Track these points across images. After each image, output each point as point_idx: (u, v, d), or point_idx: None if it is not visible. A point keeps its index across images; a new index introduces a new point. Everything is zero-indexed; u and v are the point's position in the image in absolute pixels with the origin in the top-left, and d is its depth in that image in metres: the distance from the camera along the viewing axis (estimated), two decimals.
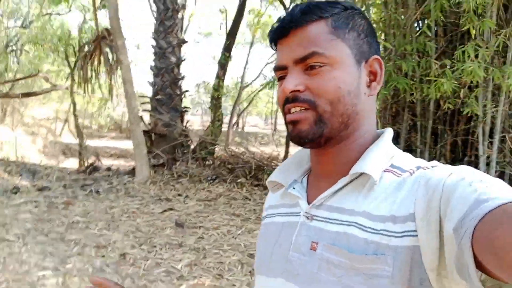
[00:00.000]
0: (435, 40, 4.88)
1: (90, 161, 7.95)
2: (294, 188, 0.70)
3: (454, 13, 4.95)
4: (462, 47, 4.52)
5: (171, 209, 5.51)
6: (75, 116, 8.81)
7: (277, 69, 0.66)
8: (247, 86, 17.65)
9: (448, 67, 4.66)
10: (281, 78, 0.65)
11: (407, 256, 0.53)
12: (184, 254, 3.71)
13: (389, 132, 0.69)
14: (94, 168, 7.58)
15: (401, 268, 0.53)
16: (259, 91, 16.26)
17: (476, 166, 4.98)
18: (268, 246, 0.70)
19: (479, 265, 0.43)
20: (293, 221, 0.68)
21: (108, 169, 7.91)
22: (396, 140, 6.26)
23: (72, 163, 10.63)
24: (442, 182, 0.52)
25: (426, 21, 4.93)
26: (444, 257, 0.50)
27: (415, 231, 0.53)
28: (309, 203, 0.67)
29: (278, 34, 0.65)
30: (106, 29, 7.83)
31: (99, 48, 7.86)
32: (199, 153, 7.62)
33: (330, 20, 0.62)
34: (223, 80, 9.02)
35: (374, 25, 5.44)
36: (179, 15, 7.75)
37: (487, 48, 4.18)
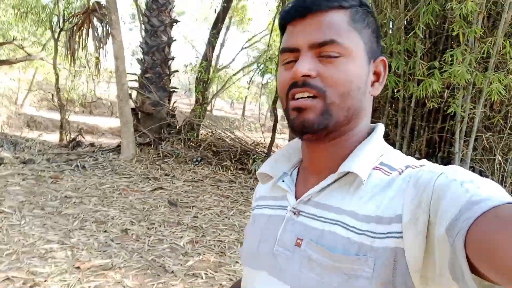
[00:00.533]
0: (422, 41, 5.16)
1: (73, 135, 7.82)
2: (283, 181, 0.70)
3: (440, 17, 5.22)
4: (451, 51, 4.82)
5: (160, 188, 5.63)
6: (58, 89, 8.60)
7: (286, 50, 0.63)
8: (221, 69, 17.62)
9: (436, 68, 4.93)
10: (287, 62, 0.63)
11: (389, 258, 0.53)
12: (184, 232, 3.87)
13: (380, 129, 0.68)
14: (77, 143, 7.51)
15: (382, 270, 0.53)
16: (234, 74, 16.35)
17: (449, 162, 5.35)
18: (255, 238, 0.71)
19: (472, 267, 0.43)
20: (280, 215, 0.68)
21: (91, 144, 7.87)
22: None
23: (49, 137, 10.41)
24: (432, 182, 0.52)
25: (418, 23, 5.16)
26: (432, 259, 0.50)
27: (400, 232, 0.53)
28: (297, 197, 0.67)
29: (294, 14, 0.62)
30: (97, 2, 7.66)
31: (89, 21, 7.68)
32: (185, 134, 7.68)
33: (349, 11, 0.61)
34: (210, 62, 9.02)
35: None
36: None
37: (471, 53, 4.48)
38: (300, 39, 0.61)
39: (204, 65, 8.84)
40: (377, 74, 0.65)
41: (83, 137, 7.99)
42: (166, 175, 6.59)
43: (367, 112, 0.66)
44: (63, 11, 9.43)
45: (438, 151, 6.24)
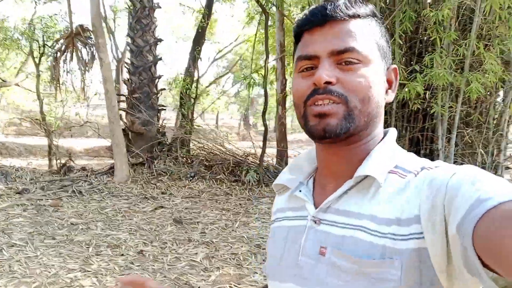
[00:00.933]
0: (399, 46, 5.51)
1: (63, 161, 7.81)
2: (300, 191, 0.71)
3: (415, 22, 5.58)
4: (429, 54, 5.18)
5: (161, 206, 5.76)
6: (43, 115, 8.57)
7: (305, 58, 0.64)
8: (210, 84, 17.89)
9: (418, 72, 5.27)
10: (305, 69, 0.65)
11: (414, 259, 0.54)
12: (197, 248, 4.02)
13: (392, 132, 0.70)
14: (68, 168, 7.51)
15: (409, 271, 0.54)
16: (209, 85, 16.66)
17: (432, 158, 5.72)
18: (278, 251, 0.71)
19: (483, 262, 0.45)
20: (300, 225, 0.69)
21: (83, 168, 7.88)
22: None
23: (38, 163, 10.30)
24: (446, 182, 0.53)
25: (395, 30, 5.50)
26: (452, 257, 0.52)
27: (421, 233, 0.54)
28: (315, 206, 0.68)
29: (313, 22, 0.64)
30: (81, 26, 7.72)
31: (72, 45, 7.72)
32: (176, 151, 7.79)
33: (366, 20, 0.64)
34: (193, 77, 9.17)
35: None
36: (155, 14, 7.80)
37: (448, 56, 4.83)
38: (319, 47, 0.62)
39: (188, 81, 8.97)
40: (389, 82, 0.68)
41: (73, 161, 7.97)
42: (163, 193, 6.71)
43: (382, 117, 0.68)
44: (42, 36, 9.41)
45: (420, 149, 6.61)
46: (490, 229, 0.42)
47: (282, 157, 8.37)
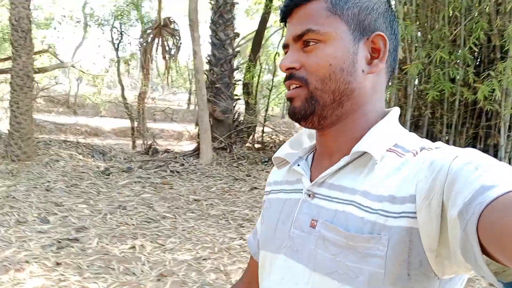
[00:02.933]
0: (471, 53, 6.28)
1: (148, 143, 8.78)
2: (298, 165, 0.75)
3: (485, 32, 6.35)
4: (503, 61, 5.94)
5: (255, 188, 6.58)
6: (125, 98, 9.51)
7: (283, 47, 0.71)
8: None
9: (492, 76, 6.03)
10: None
11: (404, 237, 0.56)
12: None
13: (395, 111, 0.71)
14: (154, 150, 8.44)
15: (397, 249, 0.56)
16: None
17: (489, 153, 6.56)
18: (272, 222, 0.76)
19: (484, 251, 0.45)
20: (295, 198, 0.73)
21: (167, 151, 8.81)
22: (419, 129, 7.96)
23: (121, 144, 11.28)
24: (448, 165, 0.53)
25: (469, 38, 6.27)
26: (446, 240, 0.53)
27: (414, 212, 0.56)
28: (312, 180, 0.71)
29: (284, 14, 0.70)
30: (168, 18, 8.56)
31: (160, 35, 8.58)
32: (248, 136, 8.65)
33: None
34: (254, 63, 9.92)
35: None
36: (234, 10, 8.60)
37: None
38: (287, 35, 0.69)
39: (252, 72, 9.76)
40: (377, 50, 0.68)
41: (157, 144, 8.92)
42: (247, 175, 7.58)
43: (370, 91, 0.68)
44: (120, 25, 10.30)
45: (479, 144, 7.48)
46: (499, 218, 0.42)
47: None
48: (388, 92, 8.73)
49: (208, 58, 9.13)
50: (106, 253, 3.59)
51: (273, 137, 9.18)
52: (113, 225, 4.40)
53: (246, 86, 9.95)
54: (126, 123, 16.49)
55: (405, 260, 0.56)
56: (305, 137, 0.80)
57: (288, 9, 0.69)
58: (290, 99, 0.69)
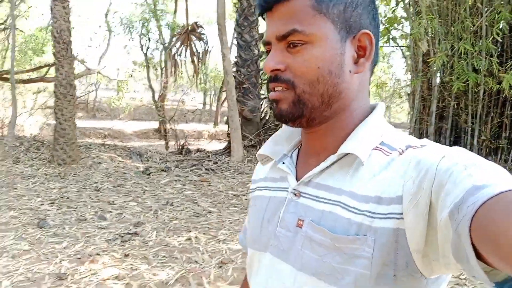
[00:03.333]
0: (495, 44, 6.35)
1: (179, 143, 9.09)
2: (283, 163, 0.73)
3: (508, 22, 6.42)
4: None
5: None
6: (156, 102, 9.83)
7: (264, 43, 0.67)
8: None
9: None
10: (268, 53, 0.67)
11: (390, 238, 0.55)
12: None
13: (380, 107, 0.70)
14: (187, 150, 8.73)
15: (383, 250, 0.56)
16: None
17: None
18: (258, 220, 0.75)
19: (476, 252, 0.44)
20: (281, 197, 0.71)
21: (199, 150, 9.09)
22: (444, 120, 8.10)
23: (153, 145, 11.66)
24: (435, 165, 0.53)
25: (491, 29, 6.35)
26: (434, 240, 0.52)
27: (401, 213, 0.55)
28: (297, 179, 0.70)
29: (262, 7, 0.65)
30: (195, 23, 8.85)
31: (187, 39, 8.87)
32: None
33: None
34: None
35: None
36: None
37: None
38: (269, 32, 0.65)
39: None
40: (363, 49, 0.65)
41: (189, 144, 9.23)
42: None
43: (356, 91, 0.66)
44: (147, 31, 10.64)
45: (504, 132, 7.55)
46: (492, 220, 0.42)
47: None
48: (413, 85, 8.81)
49: (235, 59, 9.39)
50: (166, 244, 3.85)
51: None
52: (165, 220, 4.67)
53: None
54: (146, 125, 17.03)
55: (391, 261, 0.55)
56: (289, 133, 0.78)
57: (268, 5, 0.64)
58: (275, 101, 0.66)
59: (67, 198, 5.47)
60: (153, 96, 10.09)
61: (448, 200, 0.47)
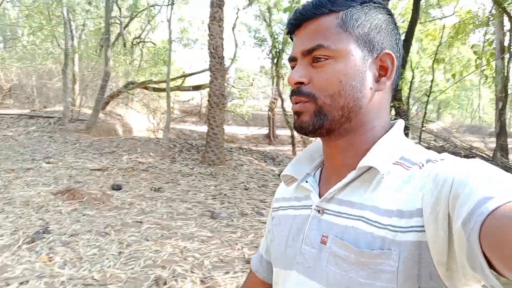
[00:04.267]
0: None
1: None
2: (306, 181, 0.73)
3: None
4: None
5: None
6: (284, 110, 10.34)
7: (290, 60, 0.69)
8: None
9: None
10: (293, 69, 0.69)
11: (413, 252, 0.55)
12: None
13: (399, 124, 0.70)
14: None
15: (407, 263, 0.55)
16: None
17: None
18: (283, 238, 0.74)
19: (488, 262, 0.44)
20: (304, 214, 0.71)
21: None
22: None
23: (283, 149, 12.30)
24: (451, 177, 0.53)
25: None
26: (454, 252, 0.52)
27: (422, 226, 0.55)
28: (320, 196, 0.70)
29: (293, 26, 0.68)
30: None
31: None
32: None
33: (341, 13, 0.65)
34: (403, 69, 9.79)
35: None
36: None
37: None
38: (296, 48, 0.67)
39: (403, 77, 9.63)
40: (384, 69, 0.67)
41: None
42: None
43: (377, 108, 0.67)
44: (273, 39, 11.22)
45: None
46: (497, 227, 0.42)
47: (503, 150, 8.57)
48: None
49: None
50: None
51: (432, 142, 8.99)
52: None
53: (396, 92, 9.79)
54: (255, 130, 17.64)
55: (416, 274, 0.55)
56: (312, 153, 0.78)
57: (297, 22, 0.67)
58: (297, 113, 0.67)
59: (225, 194, 6.11)
60: (282, 104, 10.64)
61: (462, 211, 0.48)
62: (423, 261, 0.54)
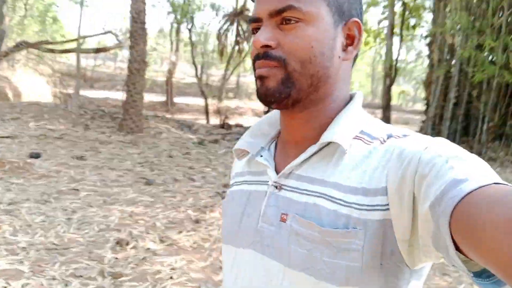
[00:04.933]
0: None
1: (222, 118, 9.78)
2: (261, 156, 0.68)
3: None
4: None
5: None
6: (200, 79, 10.40)
7: (252, 21, 0.62)
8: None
9: None
10: (255, 31, 0.62)
11: (378, 230, 0.54)
12: None
13: (359, 96, 0.67)
14: (228, 125, 9.42)
15: (372, 242, 0.54)
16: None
17: None
18: (236, 215, 0.69)
19: (455, 245, 0.44)
20: (261, 190, 0.66)
21: (237, 125, 9.76)
22: (459, 106, 8.89)
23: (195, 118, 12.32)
24: (418, 156, 0.52)
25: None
26: (417, 230, 0.52)
27: (387, 204, 0.53)
28: (277, 171, 0.66)
29: None
30: (243, 6, 9.39)
31: (235, 22, 9.42)
32: None
33: None
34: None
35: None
36: None
37: None
38: (261, 8, 0.60)
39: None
40: (351, 37, 0.63)
41: (229, 119, 9.91)
42: None
43: (342, 78, 0.64)
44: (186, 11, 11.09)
45: (509, 120, 8.45)
46: (472, 213, 0.41)
47: (388, 122, 9.92)
48: (436, 74, 9.43)
49: None
50: None
51: None
52: None
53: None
54: (152, 97, 17.44)
55: (380, 251, 0.54)
56: (266, 125, 0.73)
57: None
58: (261, 78, 0.60)
59: (152, 162, 6.18)
60: (196, 73, 10.62)
61: (430, 192, 0.47)
62: (386, 238, 0.54)
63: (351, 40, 0.63)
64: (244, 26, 9.70)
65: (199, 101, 15.41)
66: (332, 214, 0.56)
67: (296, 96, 0.60)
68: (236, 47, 9.94)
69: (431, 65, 9.48)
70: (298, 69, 0.58)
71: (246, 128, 9.98)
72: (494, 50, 7.28)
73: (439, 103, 9.60)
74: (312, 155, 0.62)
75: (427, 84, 10.26)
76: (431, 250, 0.50)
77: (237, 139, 6.79)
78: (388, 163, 0.55)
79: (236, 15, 9.52)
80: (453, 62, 8.88)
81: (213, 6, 10.68)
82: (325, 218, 0.56)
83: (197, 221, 3.83)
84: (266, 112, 9.72)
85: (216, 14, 10.77)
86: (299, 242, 0.58)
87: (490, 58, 7.65)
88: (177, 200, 4.44)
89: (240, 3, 9.75)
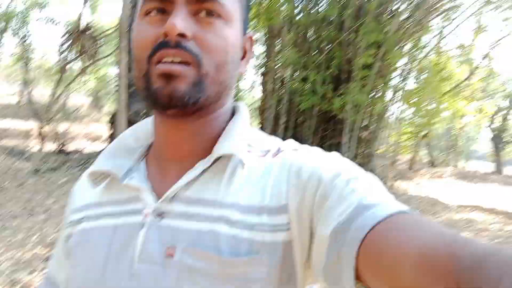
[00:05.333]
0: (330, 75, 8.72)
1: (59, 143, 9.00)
2: (132, 177, 0.56)
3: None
4: (353, 82, 8.36)
5: None
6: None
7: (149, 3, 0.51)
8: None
9: (344, 94, 8.42)
10: (153, 14, 0.51)
11: (280, 253, 0.49)
12: None
13: (244, 107, 0.62)
14: (66, 151, 8.77)
15: (275, 267, 0.49)
16: None
17: (338, 149, 9.36)
18: (97, 261, 0.54)
19: (356, 275, 0.41)
20: (132, 222, 0.54)
21: (77, 151, 9.14)
22: (288, 130, 10.47)
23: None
24: (317, 175, 0.49)
25: (330, 64, 8.69)
26: (311, 252, 0.48)
27: (288, 223, 0.50)
28: (157, 195, 0.54)
29: None
30: (87, 24, 8.97)
31: (78, 40, 8.86)
32: None
33: None
34: None
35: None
36: None
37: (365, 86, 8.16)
38: None
39: None
40: (244, 52, 0.59)
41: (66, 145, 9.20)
42: None
43: (233, 89, 0.59)
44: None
45: (328, 141, 10.45)
46: (381, 248, 0.39)
47: None
48: (270, 102, 10.73)
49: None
50: None
51: None
52: None
53: None
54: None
55: (278, 276, 0.49)
56: (132, 141, 0.61)
57: None
58: (170, 76, 0.49)
59: None
60: (22, 92, 9.40)
61: (332, 216, 0.44)
62: (286, 261, 0.49)
63: (244, 55, 0.60)
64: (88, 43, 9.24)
65: (23, 124, 13.67)
66: (231, 239, 0.49)
67: (203, 103, 0.52)
68: (74, 65, 9.36)
69: (265, 94, 10.71)
70: (211, 73, 0.51)
71: (89, 154, 9.48)
72: (316, 82, 8.65)
73: (271, 127, 10.90)
74: (202, 172, 0.54)
75: (261, 111, 11.54)
76: (317, 273, 0.47)
77: (80, 165, 6.19)
78: (288, 181, 0.52)
79: (80, 32, 8.99)
80: (283, 91, 10.19)
81: (52, 20, 9.78)
82: (224, 246, 0.49)
83: (48, 259, 3.59)
84: (111, 136, 9.38)
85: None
86: (193, 280, 0.48)
87: (312, 89, 9.04)
88: (21, 238, 4.03)
89: (84, 20, 9.26)
